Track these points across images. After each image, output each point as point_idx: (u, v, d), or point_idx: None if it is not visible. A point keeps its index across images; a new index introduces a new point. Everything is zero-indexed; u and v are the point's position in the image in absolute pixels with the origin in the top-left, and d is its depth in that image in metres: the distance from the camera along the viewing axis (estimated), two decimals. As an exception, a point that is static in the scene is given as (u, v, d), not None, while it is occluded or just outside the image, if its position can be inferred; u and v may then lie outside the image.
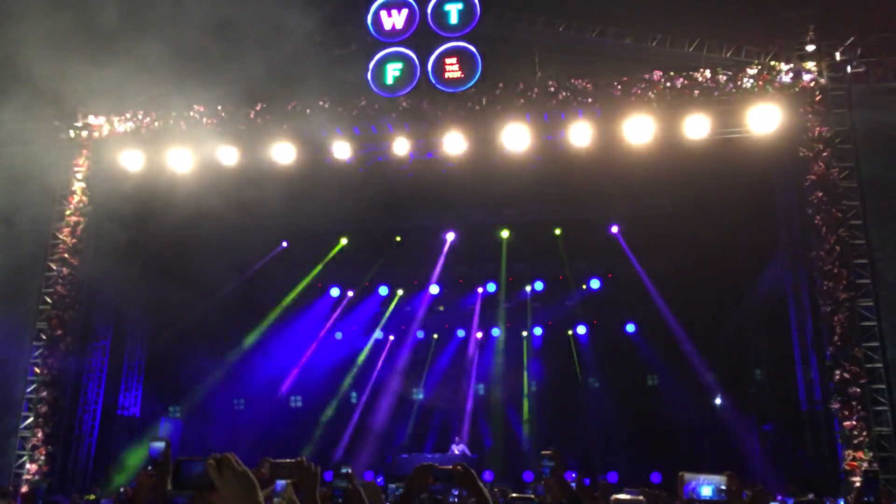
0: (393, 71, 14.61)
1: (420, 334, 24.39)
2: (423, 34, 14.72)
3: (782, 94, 13.37)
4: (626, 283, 21.23)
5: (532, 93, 14.22)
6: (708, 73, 13.61)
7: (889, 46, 13.39)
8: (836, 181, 12.95)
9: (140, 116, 15.50)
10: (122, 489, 13.80)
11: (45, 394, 14.53)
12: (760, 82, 13.41)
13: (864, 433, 11.89)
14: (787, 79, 13.38)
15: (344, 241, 21.20)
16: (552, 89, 14.12)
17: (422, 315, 23.45)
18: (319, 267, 21.67)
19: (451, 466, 3.33)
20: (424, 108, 14.47)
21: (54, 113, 15.52)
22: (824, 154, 13.01)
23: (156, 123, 15.39)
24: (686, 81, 13.64)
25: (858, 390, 12.06)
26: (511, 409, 24.07)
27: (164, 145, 15.19)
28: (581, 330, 23.64)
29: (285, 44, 14.59)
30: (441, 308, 24.01)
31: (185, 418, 20.47)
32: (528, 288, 22.84)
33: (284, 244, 21.24)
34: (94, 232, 15.74)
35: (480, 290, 23.18)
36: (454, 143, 14.43)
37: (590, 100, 13.96)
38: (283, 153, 14.86)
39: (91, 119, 15.71)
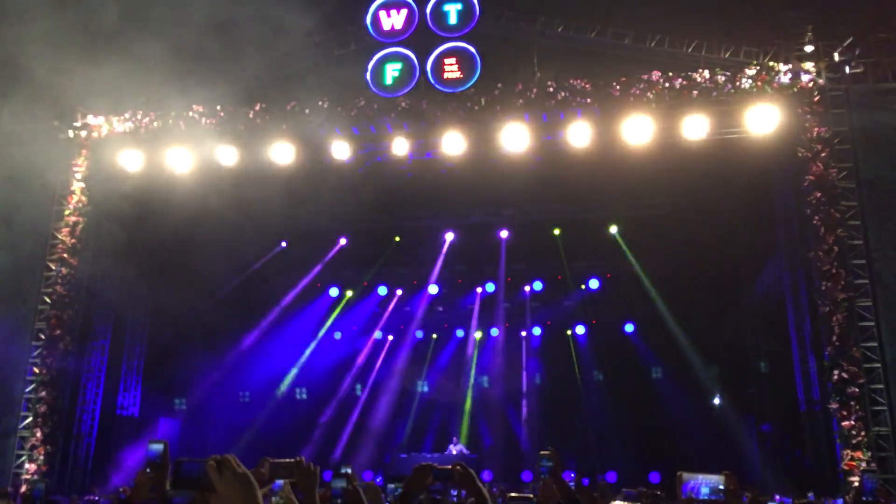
0: (392, 71, 14.61)
1: (419, 334, 24.39)
2: (422, 34, 14.73)
3: (781, 95, 13.39)
4: (625, 283, 21.25)
5: (531, 93, 14.23)
6: (706, 73, 13.62)
7: (887, 47, 13.40)
8: (835, 181, 12.97)
9: (139, 116, 15.50)
10: (120, 489, 13.78)
11: (44, 394, 14.53)
12: (759, 83, 13.43)
13: (863, 433, 11.91)
14: (785, 79, 13.40)
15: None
16: (551, 89, 14.13)
17: (421, 315, 23.45)
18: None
19: (450, 466, 3.34)
20: (423, 109, 14.48)
21: (53, 113, 15.52)
22: (823, 154, 13.02)
23: (155, 123, 15.39)
24: (685, 82, 13.66)
25: (857, 390, 12.08)
26: (510, 409, 24.08)
27: (164, 145, 15.19)
28: (580, 330, 23.65)
29: (284, 44, 14.59)
30: (440, 308, 24.01)
31: (185, 418, 20.47)
32: (528, 288, 22.83)
33: (283, 244, 21.25)
34: (94, 232, 15.74)
35: (479, 290, 23.18)
36: (453, 144, 14.43)
37: (589, 100, 13.97)
38: (283, 153, 14.86)
39: (90, 119, 15.71)
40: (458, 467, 3.31)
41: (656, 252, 20.02)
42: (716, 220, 18.25)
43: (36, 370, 14.65)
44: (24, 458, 14.30)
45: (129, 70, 13.04)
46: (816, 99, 13.25)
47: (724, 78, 13.56)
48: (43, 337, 14.87)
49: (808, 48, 13.53)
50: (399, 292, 23.44)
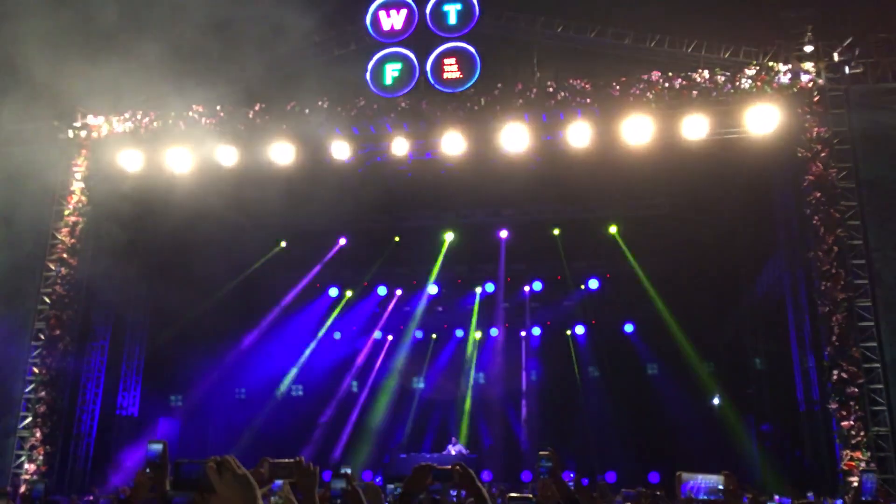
0: (392, 71, 14.62)
1: (419, 334, 24.40)
2: (421, 34, 14.73)
3: (780, 95, 13.39)
4: (625, 283, 21.25)
5: (531, 93, 14.23)
6: (706, 73, 13.62)
7: (887, 47, 13.41)
8: (834, 181, 12.97)
9: (139, 116, 15.50)
10: (120, 490, 13.78)
11: (43, 394, 14.52)
12: (759, 83, 13.43)
13: (862, 433, 11.91)
14: (785, 79, 13.40)
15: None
16: (551, 89, 14.13)
17: (420, 315, 23.46)
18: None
19: (449, 466, 3.34)
20: (423, 109, 14.48)
21: (53, 113, 15.52)
22: (822, 154, 13.02)
23: (155, 123, 15.38)
24: (684, 82, 13.66)
25: (856, 390, 12.08)
26: (510, 409, 24.08)
27: (163, 145, 15.19)
28: (580, 330, 23.65)
29: (284, 44, 14.58)
30: (440, 308, 24.01)
31: (184, 418, 20.47)
32: (527, 288, 22.84)
33: (283, 244, 21.25)
34: (93, 232, 15.74)
35: (479, 289, 23.18)
36: (453, 144, 14.43)
37: (588, 100, 13.97)
38: (282, 153, 14.86)
39: (90, 119, 15.70)
40: (458, 467, 3.31)
41: (656, 252, 20.02)
42: (715, 220, 18.26)
43: (35, 370, 14.65)
44: (23, 458, 14.29)
45: (129, 70, 13.05)
46: (816, 99, 13.25)
47: (723, 78, 13.56)
48: (42, 337, 14.87)
49: (808, 48, 13.53)
50: (399, 292, 23.44)
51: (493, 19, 15.09)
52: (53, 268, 15.21)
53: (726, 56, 13.88)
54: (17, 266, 15.16)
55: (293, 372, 23.14)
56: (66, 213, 15.50)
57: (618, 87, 13.86)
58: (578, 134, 14.05)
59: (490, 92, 14.35)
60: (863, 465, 11.68)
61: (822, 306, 12.68)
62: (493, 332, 23.95)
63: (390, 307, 23.59)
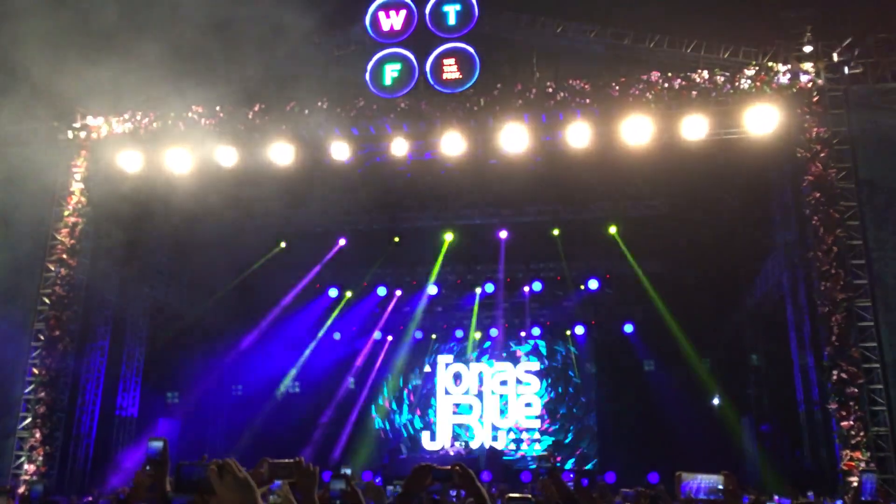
0: (391, 72, 14.61)
1: (418, 334, 24.41)
2: (421, 35, 14.72)
3: (780, 95, 13.39)
4: (625, 283, 21.26)
5: (530, 93, 14.23)
6: (706, 73, 13.62)
7: (886, 47, 13.40)
8: (834, 182, 12.97)
9: (138, 117, 15.49)
10: (119, 490, 13.77)
11: (43, 394, 14.51)
12: (758, 83, 13.43)
13: (862, 433, 11.91)
14: (784, 79, 13.40)
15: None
16: (550, 90, 14.13)
17: (420, 315, 23.47)
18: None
19: (449, 467, 3.34)
20: (423, 109, 14.48)
21: (53, 113, 15.50)
22: (822, 155, 13.03)
23: (154, 124, 15.38)
24: (684, 82, 13.66)
25: (856, 390, 12.08)
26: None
27: (163, 146, 15.18)
28: (579, 330, 23.66)
29: (284, 44, 14.58)
30: (439, 308, 24.02)
31: (184, 418, 20.47)
32: (527, 288, 22.84)
33: (283, 244, 21.26)
34: (93, 233, 15.73)
35: (479, 290, 23.18)
36: (452, 144, 14.43)
37: (588, 100, 13.97)
38: (282, 153, 14.86)
39: (89, 119, 15.70)
40: (458, 468, 3.31)
41: (656, 252, 20.04)
42: (715, 220, 18.27)
43: (35, 371, 14.64)
44: (23, 458, 14.28)
45: (129, 70, 13.04)
46: (815, 99, 13.26)
47: (723, 78, 13.57)
48: (42, 338, 14.86)
49: (808, 48, 13.54)
50: (398, 293, 23.44)
51: (492, 20, 15.09)
52: (53, 268, 15.20)
53: (726, 56, 13.88)
54: (17, 267, 15.16)
55: (293, 372, 23.14)
56: (66, 213, 15.49)
57: (617, 88, 13.86)
58: (578, 134, 14.05)
59: (489, 92, 14.35)
60: (862, 465, 11.68)
61: (822, 306, 12.68)
62: (493, 332, 23.98)
63: (390, 308, 23.59)
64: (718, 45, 13.95)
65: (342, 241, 21.26)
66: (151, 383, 18.59)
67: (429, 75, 14.46)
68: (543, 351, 24.47)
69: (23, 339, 14.97)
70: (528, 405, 24.02)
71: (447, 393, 24.38)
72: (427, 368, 24.84)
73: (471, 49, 14.47)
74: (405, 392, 24.75)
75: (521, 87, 14.30)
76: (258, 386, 22.62)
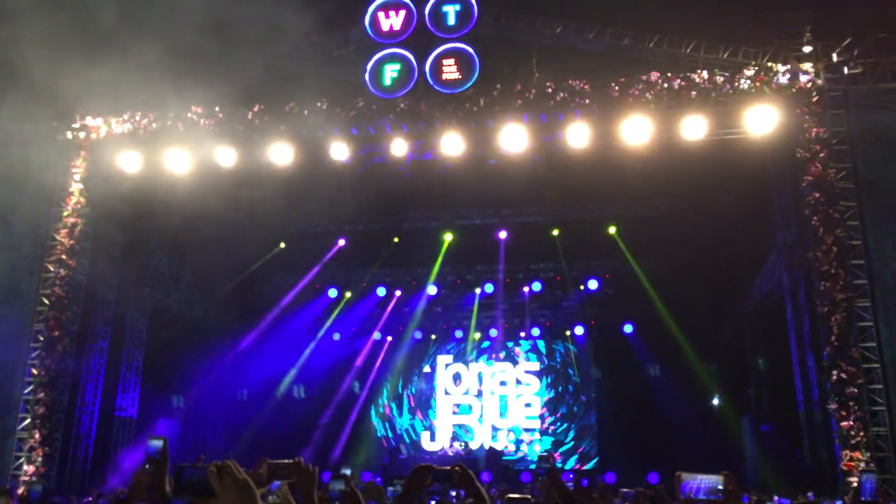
0: (391, 72, 14.61)
1: (418, 335, 24.41)
2: (420, 35, 14.71)
3: (779, 95, 13.39)
4: (625, 283, 21.26)
5: (530, 94, 14.22)
6: (705, 74, 13.62)
7: (886, 47, 13.40)
8: (834, 182, 12.97)
9: (138, 117, 15.48)
10: (118, 491, 13.76)
11: (42, 395, 14.50)
12: (758, 83, 13.43)
13: (862, 433, 11.90)
14: (784, 80, 13.40)
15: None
16: (550, 90, 14.13)
17: (420, 316, 23.48)
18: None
19: (449, 467, 3.33)
20: (422, 109, 14.47)
21: (52, 114, 15.49)
22: (821, 155, 13.02)
23: (153, 124, 15.37)
24: (683, 82, 13.65)
25: (855, 390, 12.07)
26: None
27: (162, 146, 15.17)
28: (579, 330, 23.66)
29: (283, 44, 14.58)
30: (439, 308, 24.03)
31: (183, 419, 20.46)
32: (526, 289, 22.85)
33: (282, 245, 21.26)
34: (92, 233, 15.72)
35: (478, 290, 23.18)
36: (452, 144, 14.43)
37: (587, 101, 13.97)
38: (281, 154, 14.85)
39: (89, 120, 15.69)
40: (457, 468, 3.31)
41: (655, 252, 20.05)
42: (715, 220, 18.28)
43: (34, 371, 14.63)
44: (22, 459, 14.27)
45: (128, 71, 13.02)
46: (815, 99, 13.25)
47: (722, 78, 13.56)
48: (41, 338, 14.84)
49: (807, 49, 13.54)
50: (398, 293, 23.44)
51: (492, 20, 15.08)
52: (52, 269, 15.19)
53: (725, 56, 13.88)
54: (16, 267, 15.15)
55: (292, 373, 23.13)
56: (65, 214, 15.48)
57: (617, 88, 13.86)
58: (577, 134, 14.04)
59: (489, 93, 14.34)
60: (862, 465, 11.67)
61: (822, 306, 12.68)
62: (493, 332, 23.98)
63: (389, 308, 23.59)
64: (718, 46, 13.95)
65: (342, 242, 21.27)
66: (151, 384, 18.58)
67: (428, 75, 14.46)
68: (543, 351, 24.47)
69: (22, 339, 14.96)
70: (527, 405, 24.02)
71: (447, 393, 24.38)
72: (427, 369, 24.84)
73: (470, 49, 14.46)
74: (405, 396, 24.73)
75: (521, 87, 14.29)
76: (258, 387, 22.63)
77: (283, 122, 14.83)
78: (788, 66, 13.47)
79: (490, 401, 24.14)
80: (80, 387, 15.87)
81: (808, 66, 13.45)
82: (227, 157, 14.98)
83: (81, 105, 15.45)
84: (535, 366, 24.33)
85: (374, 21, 14.88)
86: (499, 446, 23.17)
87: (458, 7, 14.64)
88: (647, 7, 15.13)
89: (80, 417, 15.87)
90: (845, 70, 13.43)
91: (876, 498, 4.86)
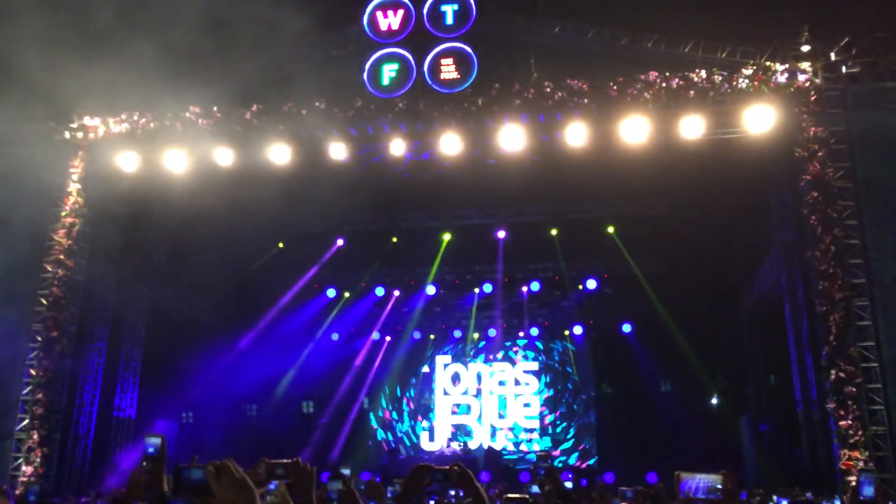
0: (389, 72, 14.60)
1: (417, 335, 24.40)
2: (419, 35, 14.71)
3: (778, 95, 13.39)
4: (623, 283, 21.26)
5: (528, 93, 14.22)
6: (703, 73, 13.62)
7: (884, 47, 13.41)
8: (832, 181, 12.97)
9: (135, 117, 15.46)
10: (116, 491, 13.74)
11: (40, 396, 14.48)
12: (756, 83, 13.43)
13: (860, 433, 11.91)
14: (782, 79, 13.41)
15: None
16: (548, 90, 14.12)
17: (419, 316, 23.47)
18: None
19: (447, 467, 3.33)
20: (420, 109, 14.47)
21: (50, 114, 15.47)
22: (819, 154, 13.03)
23: (151, 124, 15.35)
24: (682, 82, 13.65)
25: (854, 390, 12.08)
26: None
27: (160, 146, 15.15)
28: (577, 330, 23.66)
29: (281, 44, 14.56)
30: (437, 308, 24.02)
31: (182, 419, 20.44)
32: (525, 288, 22.85)
33: (281, 245, 21.23)
34: (90, 233, 15.70)
35: (477, 290, 23.18)
36: (450, 144, 14.43)
37: (586, 100, 13.97)
38: (279, 154, 14.84)
39: (86, 120, 15.67)
40: (456, 468, 3.30)
41: (654, 252, 20.06)
42: (713, 220, 18.29)
43: (33, 372, 14.60)
44: (20, 460, 14.25)
45: (126, 71, 13.00)
46: (813, 98, 13.26)
47: (720, 78, 13.57)
48: (40, 339, 14.82)
49: (805, 48, 13.54)
50: (396, 293, 23.43)
51: (490, 20, 15.07)
52: (50, 269, 15.17)
53: (723, 56, 13.88)
54: (14, 268, 15.13)
55: (291, 373, 23.10)
56: (63, 214, 15.46)
57: (615, 88, 13.86)
58: (576, 134, 14.05)
59: (487, 92, 14.34)
60: (861, 464, 11.68)
61: (820, 306, 12.68)
62: (492, 332, 23.98)
63: (388, 308, 23.58)
64: (716, 45, 13.95)
65: (340, 242, 21.27)
66: (149, 384, 18.55)
67: (427, 75, 14.45)
68: (541, 350, 24.46)
69: (20, 340, 14.94)
70: (526, 405, 24.01)
71: (446, 393, 24.37)
72: (425, 369, 24.83)
73: (469, 49, 14.46)
74: (404, 401, 24.71)
75: (519, 86, 14.29)
76: (256, 387, 22.59)
77: (282, 122, 14.83)
78: (787, 66, 13.47)
79: (489, 400, 24.14)
80: (79, 387, 15.85)
81: (806, 65, 13.46)
82: (225, 157, 14.97)
83: (79, 105, 15.43)
84: (534, 365, 24.33)
85: (373, 20, 14.88)
86: (498, 446, 23.16)
87: (456, 6, 14.64)
88: (645, 7, 15.13)
89: (79, 418, 15.85)
90: (843, 69, 13.44)
91: (874, 497, 4.86)
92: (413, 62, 14.56)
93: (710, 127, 13.66)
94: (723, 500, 3.61)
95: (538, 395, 24.04)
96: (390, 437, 24.33)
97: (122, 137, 15.45)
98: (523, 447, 23.51)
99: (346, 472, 15.66)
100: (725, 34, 13.99)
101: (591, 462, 22.75)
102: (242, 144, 15.01)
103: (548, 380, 24.20)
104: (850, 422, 11.97)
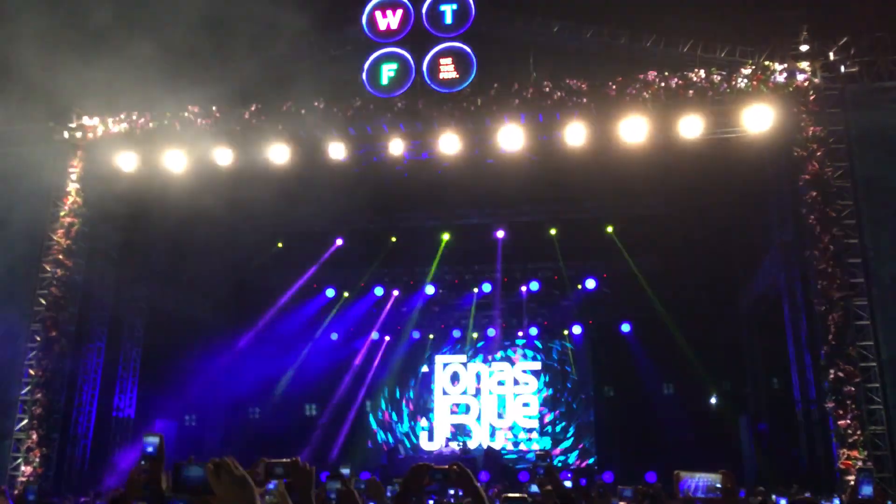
0: (388, 71, 14.60)
1: (416, 335, 24.39)
2: (417, 34, 14.72)
3: (776, 94, 13.40)
4: (622, 282, 21.26)
5: (527, 93, 14.22)
6: (702, 73, 13.63)
7: (882, 46, 13.42)
8: (830, 181, 12.99)
9: (134, 117, 15.46)
10: (115, 490, 13.73)
11: (39, 396, 14.47)
12: (755, 82, 13.44)
13: (859, 432, 11.92)
14: (781, 78, 13.42)
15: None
16: (547, 89, 14.12)
17: (418, 315, 23.46)
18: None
19: (447, 466, 3.33)
20: (419, 109, 14.47)
21: (48, 114, 15.46)
22: (818, 154, 13.04)
23: (150, 124, 15.35)
24: (680, 81, 13.66)
25: (853, 389, 12.09)
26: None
27: (159, 146, 15.15)
28: (576, 330, 23.66)
29: (280, 44, 14.56)
30: (436, 308, 24.01)
31: (181, 419, 20.42)
32: (524, 288, 22.84)
33: (280, 245, 21.21)
34: (89, 233, 15.69)
35: (476, 290, 23.17)
36: (449, 144, 14.43)
37: (585, 100, 13.97)
38: (278, 154, 14.84)
39: (85, 120, 15.66)
40: (455, 467, 3.30)
41: (653, 252, 20.05)
42: (712, 219, 18.30)
43: (31, 372, 14.60)
44: (20, 460, 14.24)
45: (124, 70, 13.00)
46: (812, 98, 13.27)
47: (719, 77, 13.57)
48: (38, 339, 14.81)
49: (804, 48, 13.55)
50: (396, 293, 23.43)
51: (489, 19, 15.08)
52: (49, 269, 15.15)
53: (722, 55, 13.89)
54: (13, 268, 15.11)
55: (290, 373, 23.09)
56: (62, 214, 15.45)
57: (614, 87, 13.86)
58: (575, 134, 14.05)
59: (486, 92, 14.35)
60: (859, 463, 11.70)
61: (819, 305, 12.70)
62: (491, 332, 23.96)
63: (387, 308, 23.56)
64: (715, 45, 13.96)
65: (339, 241, 21.25)
66: (148, 384, 18.54)
67: (425, 75, 14.45)
68: (541, 350, 24.45)
69: (19, 340, 14.93)
70: (525, 405, 24.01)
71: (445, 393, 24.36)
72: (425, 368, 24.81)
73: (467, 48, 14.47)
74: (403, 402, 24.69)
75: (518, 86, 14.29)
76: (255, 387, 22.58)
77: (280, 122, 14.82)
78: (785, 65, 13.48)
79: (488, 400, 24.13)
80: (78, 387, 15.84)
81: (804, 64, 13.47)
82: (223, 156, 14.96)
83: (78, 105, 15.43)
84: (533, 365, 24.31)
85: (372, 20, 14.88)
86: (497, 445, 23.15)
87: (455, 6, 14.65)
88: (644, 6, 15.14)
89: (78, 418, 15.85)
90: (842, 69, 13.45)
91: (873, 496, 4.87)
92: (412, 62, 14.56)
93: (709, 126, 13.67)
94: (722, 500, 3.61)
95: (537, 395, 24.02)
96: (390, 439, 24.31)
97: (120, 137, 15.44)
98: (522, 447, 23.50)
99: (346, 471, 15.66)
100: (724, 34, 14.00)
101: (591, 461, 22.74)
102: (241, 144, 15.00)
103: (547, 379, 24.19)
104: (848, 421, 11.98)
